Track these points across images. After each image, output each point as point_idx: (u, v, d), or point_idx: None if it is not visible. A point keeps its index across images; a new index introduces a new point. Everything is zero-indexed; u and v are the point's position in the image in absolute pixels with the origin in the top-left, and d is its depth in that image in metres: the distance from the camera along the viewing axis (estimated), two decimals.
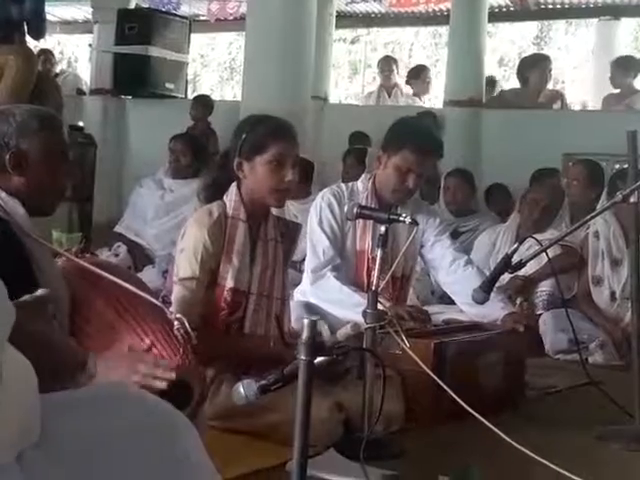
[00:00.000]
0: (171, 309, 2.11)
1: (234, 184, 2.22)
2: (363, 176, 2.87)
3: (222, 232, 2.17)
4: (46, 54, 7.80)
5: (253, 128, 2.21)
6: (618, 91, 5.95)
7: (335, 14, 7.27)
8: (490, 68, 10.22)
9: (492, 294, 2.39)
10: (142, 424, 0.83)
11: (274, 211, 2.34)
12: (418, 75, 6.97)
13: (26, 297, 1.39)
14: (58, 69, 7.86)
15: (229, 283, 2.16)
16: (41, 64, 7.59)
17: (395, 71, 7.22)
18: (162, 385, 1.46)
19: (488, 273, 2.59)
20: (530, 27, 13.16)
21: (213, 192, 2.28)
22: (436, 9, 8.70)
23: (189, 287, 2.13)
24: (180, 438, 0.86)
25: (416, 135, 2.72)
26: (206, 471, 0.90)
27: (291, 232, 2.34)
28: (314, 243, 2.74)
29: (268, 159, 2.16)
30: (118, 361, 1.52)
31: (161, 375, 1.47)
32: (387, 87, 7.17)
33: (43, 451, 0.76)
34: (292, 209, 3.95)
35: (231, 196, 2.21)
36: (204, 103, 6.10)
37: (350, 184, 2.89)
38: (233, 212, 2.19)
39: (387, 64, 7.27)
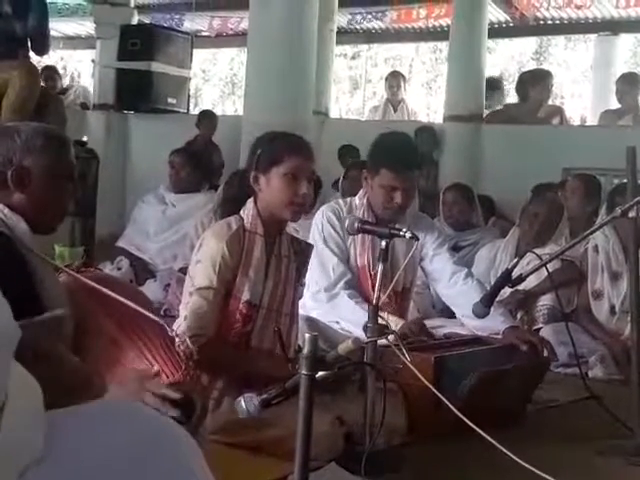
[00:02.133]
0: (178, 321, 2.14)
1: (251, 199, 2.25)
2: (361, 192, 2.89)
3: (240, 245, 2.19)
4: (49, 71, 7.86)
5: (270, 142, 2.25)
6: (617, 107, 5.98)
7: (336, 30, 7.33)
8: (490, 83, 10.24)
9: (492, 307, 2.41)
10: (145, 442, 0.83)
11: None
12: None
13: (44, 315, 1.38)
14: (65, 84, 7.90)
15: (245, 296, 2.18)
16: (44, 81, 7.66)
17: (402, 87, 7.25)
18: (172, 411, 1.45)
19: (489, 287, 2.61)
20: (529, 43, 13.25)
21: (229, 208, 2.30)
22: (436, 24, 8.77)
23: (206, 297, 2.14)
24: (184, 456, 0.87)
25: (391, 154, 2.73)
26: None
27: (304, 251, 2.37)
28: (323, 262, 2.75)
29: (284, 171, 2.19)
30: (128, 380, 1.53)
31: (170, 395, 1.47)
32: (393, 102, 7.20)
33: (46, 467, 0.76)
34: (293, 224, 3.95)
35: (248, 211, 2.24)
36: (210, 118, 6.16)
37: (348, 199, 2.91)
38: (251, 226, 2.22)
39: (395, 79, 7.30)
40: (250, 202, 2.24)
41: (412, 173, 2.72)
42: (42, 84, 7.38)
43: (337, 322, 2.74)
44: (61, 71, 8.07)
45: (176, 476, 0.84)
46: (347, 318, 2.68)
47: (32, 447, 0.77)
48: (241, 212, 2.25)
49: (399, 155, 2.72)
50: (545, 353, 2.57)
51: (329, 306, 2.72)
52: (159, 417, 0.92)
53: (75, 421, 0.83)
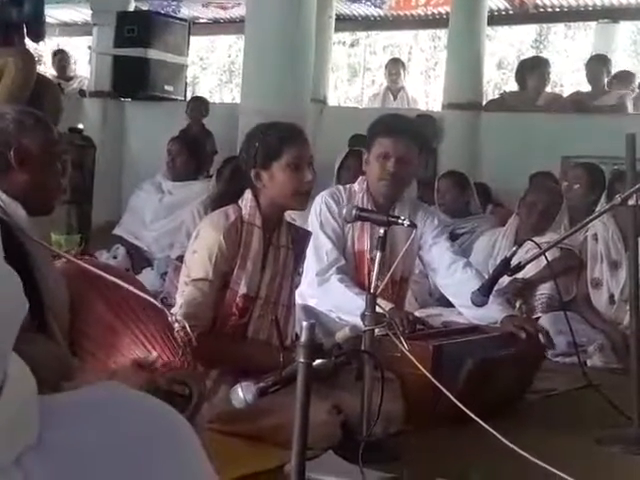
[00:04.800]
0: (174, 310, 2.12)
1: (248, 190, 2.23)
2: (360, 178, 2.88)
3: (237, 236, 2.17)
4: (62, 54, 7.85)
5: (264, 136, 2.22)
6: (588, 90, 5.98)
7: (334, 17, 7.27)
8: (489, 71, 10.24)
9: (491, 297, 2.40)
10: (142, 429, 0.82)
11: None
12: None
13: None
14: (72, 70, 7.89)
15: (242, 289, 2.17)
16: (57, 63, 7.68)
17: (402, 74, 7.19)
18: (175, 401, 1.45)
19: (487, 276, 2.60)
20: (529, 30, 13.19)
21: (225, 201, 2.27)
22: (435, 12, 8.72)
23: (201, 288, 2.13)
24: (181, 444, 0.86)
25: (388, 121, 2.76)
26: (207, 477, 0.90)
27: (301, 238, 2.35)
28: (317, 246, 2.74)
29: (285, 164, 2.17)
30: (132, 374, 1.52)
31: (176, 389, 1.47)
32: (393, 90, 7.14)
33: (40, 454, 0.75)
34: (291, 213, 3.93)
35: (246, 202, 2.22)
36: (199, 104, 6.08)
37: (348, 186, 2.90)
38: (249, 218, 2.20)
39: (395, 67, 7.22)
40: (248, 193, 2.22)
41: (408, 141, 2.70)
42: (52, 66, 7.43)
43: (331, 310, 2.73)
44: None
45: (175, 467, 0.83)
46: (336, 303, 2.68)
47: (28, 432, 0.76)
48: (239, 202, 2.23)
49: (395, 122, 2.75)
50: (542, 340, 2.57)
51: (320, 290, 2.72)
52: (158, 405, 0.91)
53: (69, 408, 0.82)
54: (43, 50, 7.98)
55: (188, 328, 1.76)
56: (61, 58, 7.75)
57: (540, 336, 2.55)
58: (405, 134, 2.71)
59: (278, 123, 2.28)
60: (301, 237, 2.36)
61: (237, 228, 2.17)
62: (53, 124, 1.87)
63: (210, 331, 2.12)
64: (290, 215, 3.40)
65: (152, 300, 1.71)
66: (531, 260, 2.40)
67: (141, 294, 1.69)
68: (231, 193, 2.27)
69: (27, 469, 0.73)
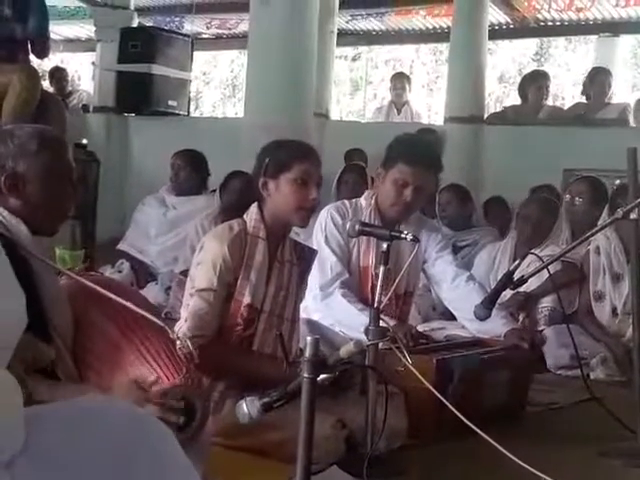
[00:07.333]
0: (178, 324, 2.13)
1: (255, 204, 2.26)
2: (366, 193, 2.89)
3: (241, 248, 2.19)
4: (60, 72, 7.91)
5: (278, 149, 2.26)
6: (588, 101, 6.01)
7: (336, 31, 7.32)
8: (490, 85, 10.28)
9: (494, 310, 2.41)
10: (123, 435, 0.85)
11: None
12: None
13: None
14: (70, 87, 7.96)
15: (246, 299, 2.18)
16: (55, 82, 7.72)
17: (407, 88, 7.20)
18: (173, 418, 1.46)
19: (489, 289, 2.61)
20: (530, 44, 13.25)
21: (232, 214, 2.30)
22: (436, 26, 8.76)
23: (206, 298, 2.15)
24: (162, 451, 0.88)
25: (412, 148, 2.76)
26: None
27: (307, 256, 2.37)
28: (322, 260, 2.75)
29: (293, 177, 2.20)
30: (128, 391, 1.53)
31: (171, 404, 1.48)
32: (398, 104, 7.13)
33: (29, 459, 0.78)
34: (295, 228, 3.92)
35: (251, 215, 2.25)
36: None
37: (354, 200, 2.91)
38: (253, 230, 2.22)
39: (400, 81, 7.23)
40: (254, 206, 2.26)
41: (428, 173, 2.72)
42: (50, 85, 7.48)
43: (334, 325, 2.74)
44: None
45: (155, 472, 0.85)
46: (339, 318, 2.69)
47: (15, 438, 0.78)
48: (244, 216, 2.25)
49: (419, 151, 2.75)
50: (535, 341, 2.58)
51: (323, 305, 2.73)
52: (140, 413, 0.93)
53: (56, 416, 0.84)
54: (47, 66, 8.03)
55: (190, 345, 1.77)
56: (59, 76, 7.80)
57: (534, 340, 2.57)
58: (427, 165, 2.71)
59: (294, 140, 2.33)
60: (307, 255, 2.38)
61: (241, 239, 2.20)
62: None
63: (216, 341, 2.13)
64: (295, 232, 3.40)
65: (152, 318, 1.71)
66: (533, 273, 2.41)
67: (140, 311, 1.68)
68: (240, 206, 2.30)
69: (16, 472, 0.76)
